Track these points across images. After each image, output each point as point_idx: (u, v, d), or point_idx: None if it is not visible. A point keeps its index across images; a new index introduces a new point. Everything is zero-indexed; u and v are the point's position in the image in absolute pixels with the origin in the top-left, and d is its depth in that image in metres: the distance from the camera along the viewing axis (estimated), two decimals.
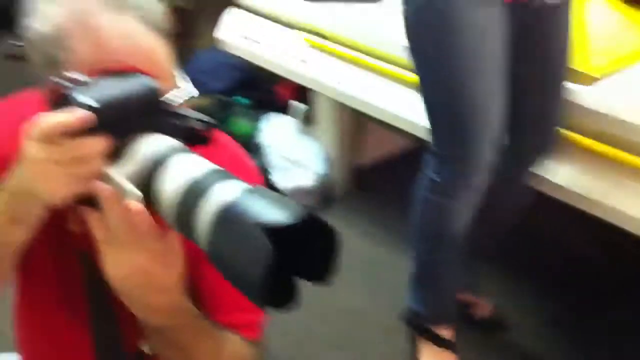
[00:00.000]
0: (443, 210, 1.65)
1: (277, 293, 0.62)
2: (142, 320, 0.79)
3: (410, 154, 2.68)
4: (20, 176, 0.76)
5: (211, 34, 2.55)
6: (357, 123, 2.46)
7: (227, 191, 0.64)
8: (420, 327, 1.82)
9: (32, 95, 1.00)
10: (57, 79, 0.73)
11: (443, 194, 1.62)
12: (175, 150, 0.72)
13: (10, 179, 0.78)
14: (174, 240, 0.73)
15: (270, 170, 2.50)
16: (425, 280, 1.79)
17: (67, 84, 0.72)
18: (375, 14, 2.02)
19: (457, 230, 1.66)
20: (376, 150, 2.64)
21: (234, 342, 0.91)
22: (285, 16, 2.25)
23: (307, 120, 2.54)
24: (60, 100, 0.72)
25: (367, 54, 1.99)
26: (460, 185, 1.60)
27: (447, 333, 1.80)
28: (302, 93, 2.53)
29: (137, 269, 0.72)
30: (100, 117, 0.70)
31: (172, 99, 0.78)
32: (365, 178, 2.60)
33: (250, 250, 0.59)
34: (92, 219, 0.73)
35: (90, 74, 0.74)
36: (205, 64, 2.74)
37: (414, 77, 1.58)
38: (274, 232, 0.58)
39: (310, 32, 2.15)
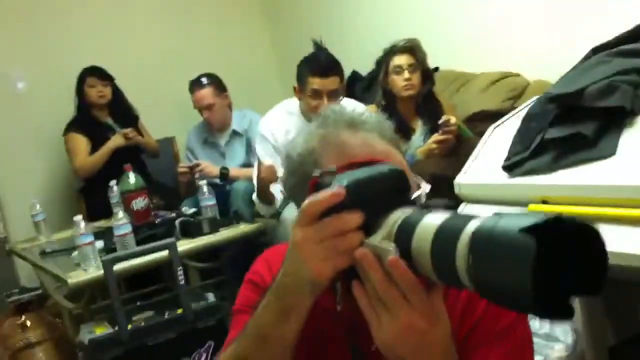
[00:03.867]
0: None
1: (549, 303, 0.61)
2: None
3: None
4: (288, 264, 0.82)
5: None
6: (612, 292, 2.25)
7: (474, 222, 0.66)
8: None
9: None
10: (313, 173, 0.86)
11: None
12: (421, 211, 0.76)
13: (277, 276, 0.85)
14: (438, 296, 0.76)
15: None
16: None
17: (320, 173, 0.86)
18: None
19: None
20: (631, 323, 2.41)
21: None
22: (510, 195, 2.19)
23: None
24: (316, 189, 0.83)
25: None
26: None
27: None
28: None
29: (407, 327, 0.73)
30: (351, 194, 0.78)
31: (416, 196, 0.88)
32: (621, 356, 2.35)
33: (513, 253, 0.59)
34: (356, 289, 0.77)
35: (339, 169, 0.85)
36: None
37: None
38: (535, 235, 0.58)
39: (539, 202, 2.07)
